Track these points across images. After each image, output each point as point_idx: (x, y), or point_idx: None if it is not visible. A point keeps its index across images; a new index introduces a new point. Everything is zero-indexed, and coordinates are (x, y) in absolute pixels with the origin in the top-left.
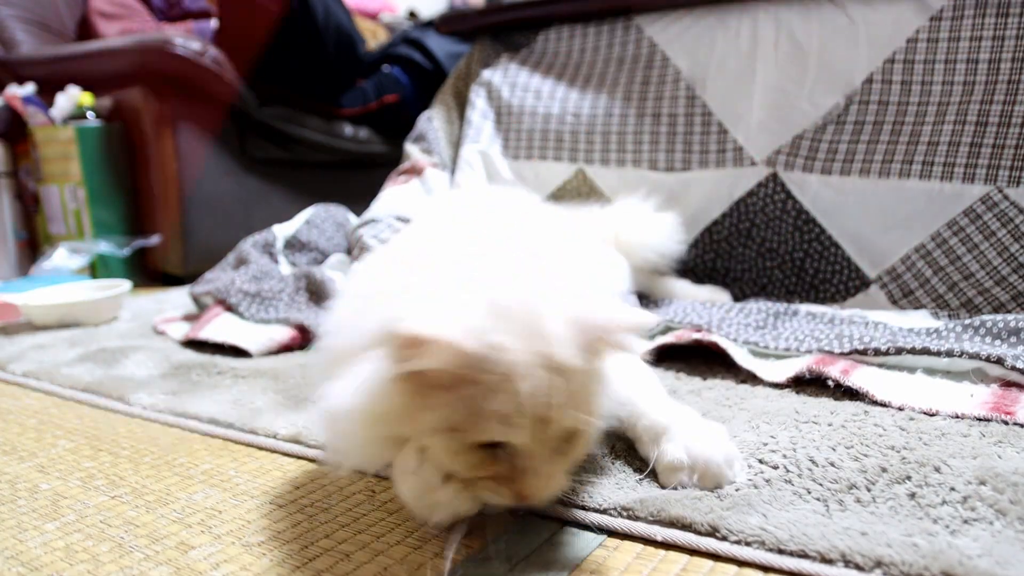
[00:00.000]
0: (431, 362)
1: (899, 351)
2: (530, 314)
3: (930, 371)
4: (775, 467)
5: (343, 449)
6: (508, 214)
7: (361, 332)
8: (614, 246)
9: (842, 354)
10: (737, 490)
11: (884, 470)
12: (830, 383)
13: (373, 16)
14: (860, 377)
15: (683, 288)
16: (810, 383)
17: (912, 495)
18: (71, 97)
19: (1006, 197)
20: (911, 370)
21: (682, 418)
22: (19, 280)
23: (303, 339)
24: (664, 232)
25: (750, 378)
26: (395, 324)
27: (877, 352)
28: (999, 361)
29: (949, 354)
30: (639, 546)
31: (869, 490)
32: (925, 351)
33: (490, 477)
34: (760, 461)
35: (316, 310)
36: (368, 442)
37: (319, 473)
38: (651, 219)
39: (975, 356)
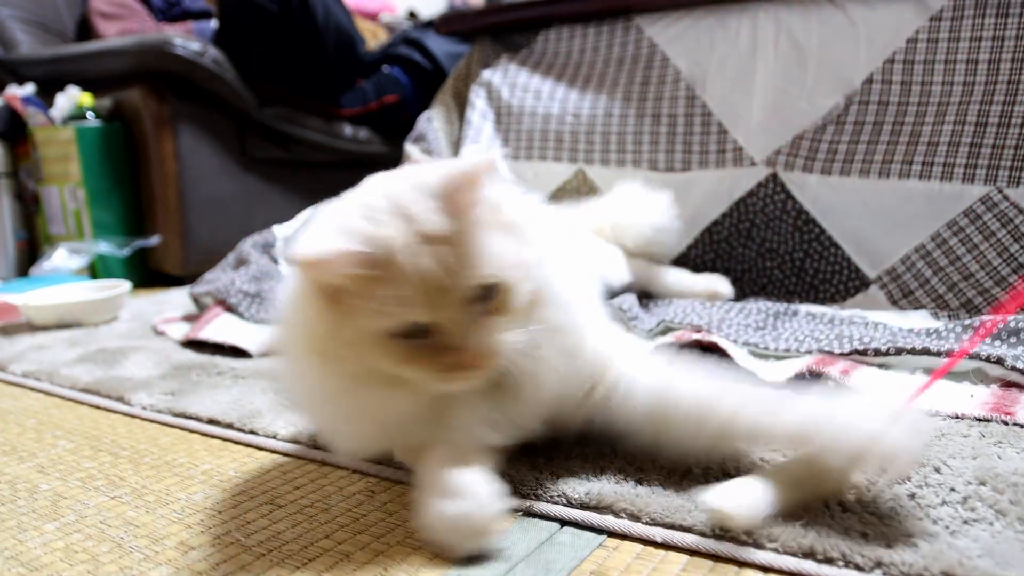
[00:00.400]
0: (330, 277)
1: (899, 351)
2: (393, 201)
3: (930, 371)
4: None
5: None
6: None
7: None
8: (611, 236)
9: (842, 354)
10: None
11: (884, 470)
12: (830, 384)
13: (373, 16)
14: (860, 378)
15: (680, 278)
16: (810, 383)
17: (912, 495)
18: (71, 97)
19: (1006, 197)
20: (911, 371)
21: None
22: (19, 280)
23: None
24: (659, 208)
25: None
26: (292, 251)
27: (877, 352)
28: (999, 361)
29: (949, 355)
30: (639, 546)
31: (869, 490)
32: (925, 351)
33: (429, 365)
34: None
35: None
36: (323, 381)
37: (319, 474)
38: (645, 197)
39: (975, 356)
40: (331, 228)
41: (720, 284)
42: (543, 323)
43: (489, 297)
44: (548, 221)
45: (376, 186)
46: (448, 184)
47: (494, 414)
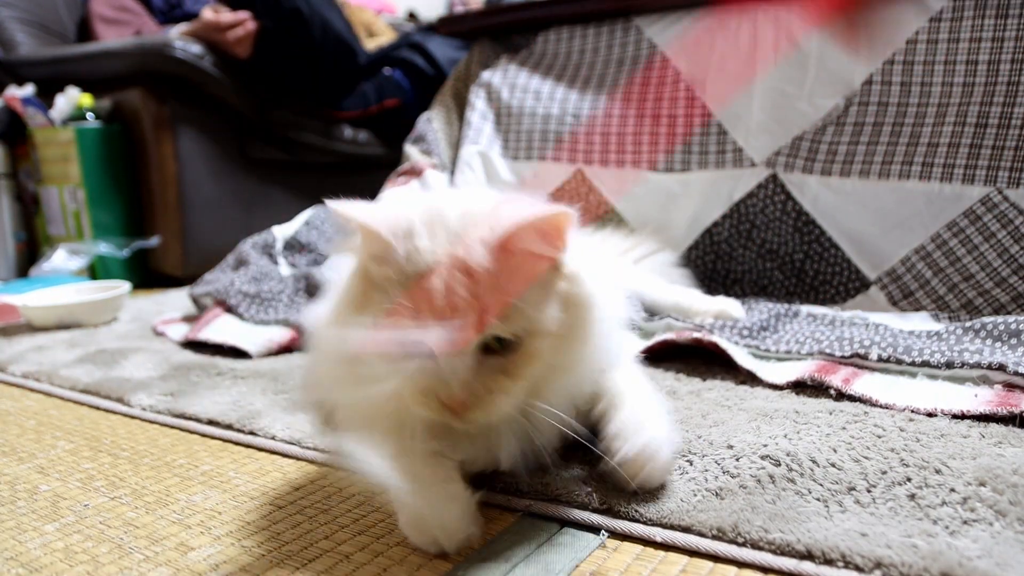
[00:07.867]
0: (361, 244)
1: (899, 362)
2: (448, 218)
3: (932, 376)
4: (777, 465)
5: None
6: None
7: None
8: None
9: (843, 358)
10: (743, 487)
11: (884, 471)
12: (832, 392)
13: None
14: (862, 385)
15: (691, 299)
16: (810, 384)
17: (912, 496)
18: (71, 99)
19: (1006, 198)
20: (912, 374)
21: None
22: (18, 281)
23: (303, 341)
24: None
25: (750, 379)
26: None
27: (879, 359)
28: (1001, 368)
29: (949, 366)
30: (639, 547)
31: (869, 491)
32: (925, 364)
33: (424, 390)
34: (761, 458)
35: None
36: (339, 364)
37: (319, 475)
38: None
39: (976, 366)
40: (384, 212)
41: (731, 307)
42: (564, 375)
43: (505, 352)
44: (596, 265)
45: (446, 197)
46: (516, 227)
47: (475, 447)
